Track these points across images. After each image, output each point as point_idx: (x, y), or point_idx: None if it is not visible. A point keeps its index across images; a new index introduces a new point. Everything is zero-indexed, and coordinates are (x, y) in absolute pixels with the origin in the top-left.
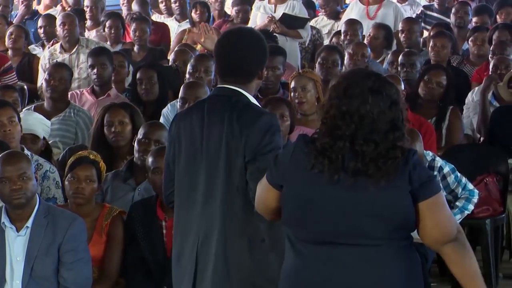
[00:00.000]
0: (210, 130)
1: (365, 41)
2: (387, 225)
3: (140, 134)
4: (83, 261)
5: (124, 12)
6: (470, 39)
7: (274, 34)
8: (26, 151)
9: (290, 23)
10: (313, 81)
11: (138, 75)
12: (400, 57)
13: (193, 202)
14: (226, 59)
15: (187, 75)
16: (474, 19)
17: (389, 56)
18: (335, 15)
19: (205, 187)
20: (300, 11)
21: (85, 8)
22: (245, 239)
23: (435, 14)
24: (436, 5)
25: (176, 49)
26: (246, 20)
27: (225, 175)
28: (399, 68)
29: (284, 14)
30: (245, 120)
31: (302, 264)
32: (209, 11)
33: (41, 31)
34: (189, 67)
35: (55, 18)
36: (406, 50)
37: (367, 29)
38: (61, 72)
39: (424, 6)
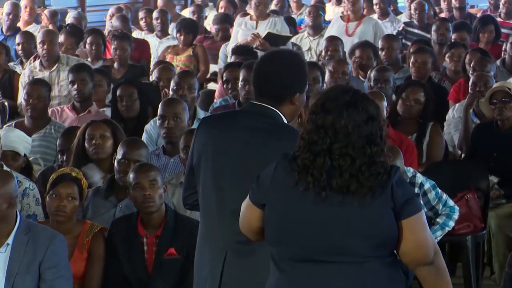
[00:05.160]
0: (245, 147)
1: (351, 61)
2: (371, 242)
3: (119, 153)
4: (64, 278)
5: (108, 28)
6: (447, 55)
7: (255, 50)
8: (6, 168)
9: (274, 41)
10: None
11: (118, 92)
12: (374, 73)
13: (219, 216)
14: (261, 77)
15: (170, 92)
16: (454, 35)
17: (368, 72)
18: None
19: (234, 205)
20: (282, 28)
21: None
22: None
23: (416, 31)
24: (415, 22)
25: (159, 66)
26: (226, 38)
27: None
28: (372, 84)
29: (269, 33)
30: (286, 141)
31: (286, 282)
32: (195, 33)
33: (19, 48)
34: (172, 84)
35: (32, 35)
36: (379, 66)
37: (346, 46)
38: (38, 90)
39: (405, 23)
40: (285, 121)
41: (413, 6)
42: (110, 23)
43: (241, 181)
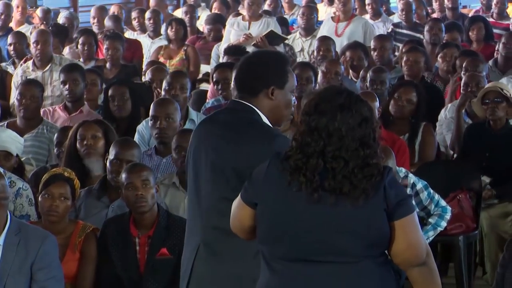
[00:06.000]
0: (217, 141)
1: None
2: (363, 242)
3: (111, 154)
4: (55, 279)
5: (95, 30)
6: (439, 56)
7: (247, 50)
8: (0, 168)
9: (272, 40)
10: None
11: (110, 92)
12: (370, 74)
13: (197, 210)
14: (238, 73)
15: (162, 92)
16: (445, 36)
17: (361, 72)
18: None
19: (208, 198)
20: (275, 29)
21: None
22: (239, 251)
23: (404, 31)
24: (403, 22)
25: (152, 67)
26: (218, 38)
27: (227, 189)
28: (368, 85)
29: (271, 31)
30: (257, 139)
31: (277, 282)
32: (185, 28)
33: (10, 48)
34: (164, 84)
35: (24, 36)
36: (375, 66)
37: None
38: (31, 90)
39: (393, 24)
40: (263, 117)
41: (399, 6)
42: (96, 26)
43: (212, 175)
